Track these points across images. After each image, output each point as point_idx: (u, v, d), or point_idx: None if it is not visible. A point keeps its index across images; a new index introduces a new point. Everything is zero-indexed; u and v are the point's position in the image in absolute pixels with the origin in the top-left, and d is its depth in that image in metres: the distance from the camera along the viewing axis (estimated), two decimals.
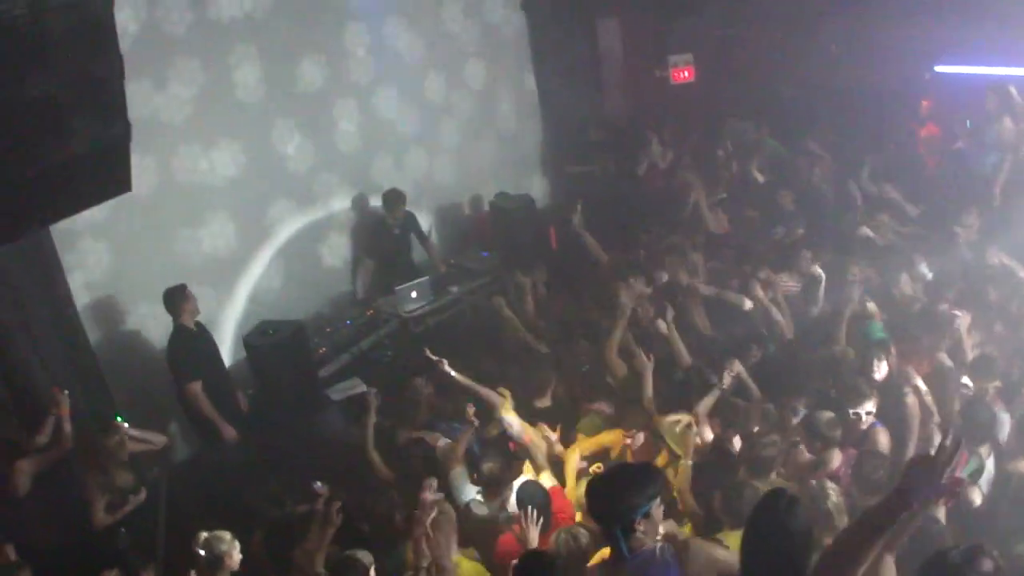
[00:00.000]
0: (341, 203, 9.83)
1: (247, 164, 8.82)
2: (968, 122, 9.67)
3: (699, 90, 11.75)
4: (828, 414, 5.64)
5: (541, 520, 5.02)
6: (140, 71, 7.57)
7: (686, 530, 5.11)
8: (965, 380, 6.18)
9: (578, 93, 11.30)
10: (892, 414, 5.80)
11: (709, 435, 5.88)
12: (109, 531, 6.12)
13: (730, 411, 6.08)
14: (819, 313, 7.55)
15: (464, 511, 5.55)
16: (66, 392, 6.29)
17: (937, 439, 5.47)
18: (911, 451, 5.57)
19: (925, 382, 5.97)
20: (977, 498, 5.17)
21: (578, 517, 5.42)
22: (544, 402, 6.75)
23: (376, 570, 4.82)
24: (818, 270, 7.68)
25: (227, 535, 5.04)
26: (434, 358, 6.53)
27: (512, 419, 6.18)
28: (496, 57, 11.16)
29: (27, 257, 6.74)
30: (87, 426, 6.67)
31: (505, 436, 6.17)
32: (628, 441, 6.04)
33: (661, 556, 3.88)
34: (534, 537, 4.96)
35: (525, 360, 7.37)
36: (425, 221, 10.29)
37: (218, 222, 8.71)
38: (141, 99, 7.60)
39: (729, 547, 4.26)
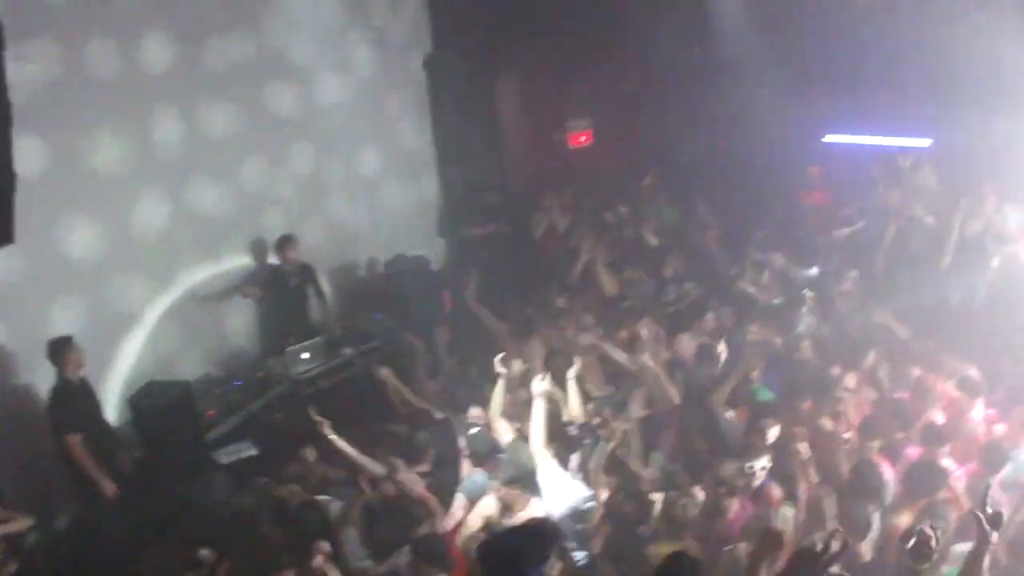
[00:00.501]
0: (232, 262, 9.64)
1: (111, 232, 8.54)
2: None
3: (598, 153, 12.00)
4: (733, 464, 5.77)
5: None
6: None
7: None
8: (848, 436, 6.40)
9: (476, 155, 11.43)
10: (781, 471, 5.96)
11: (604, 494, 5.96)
12: None
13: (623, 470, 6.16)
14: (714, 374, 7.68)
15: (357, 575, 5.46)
16: None
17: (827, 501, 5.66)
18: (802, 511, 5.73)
19: (812, 443, 6.14)
20: (867, 553, 5.30)
21: None
22: (423, 467, 6.72)
23: None
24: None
25: None
26: (318, 419, 6.46)
27: (412, 477, 6.17)
28: (395, 117, 11.21)
29: None
30: None
31: (403, 496, 6.10)
32: None
33: None
34: None
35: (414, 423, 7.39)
36: (320, 282, 10.17)
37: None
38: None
39: None
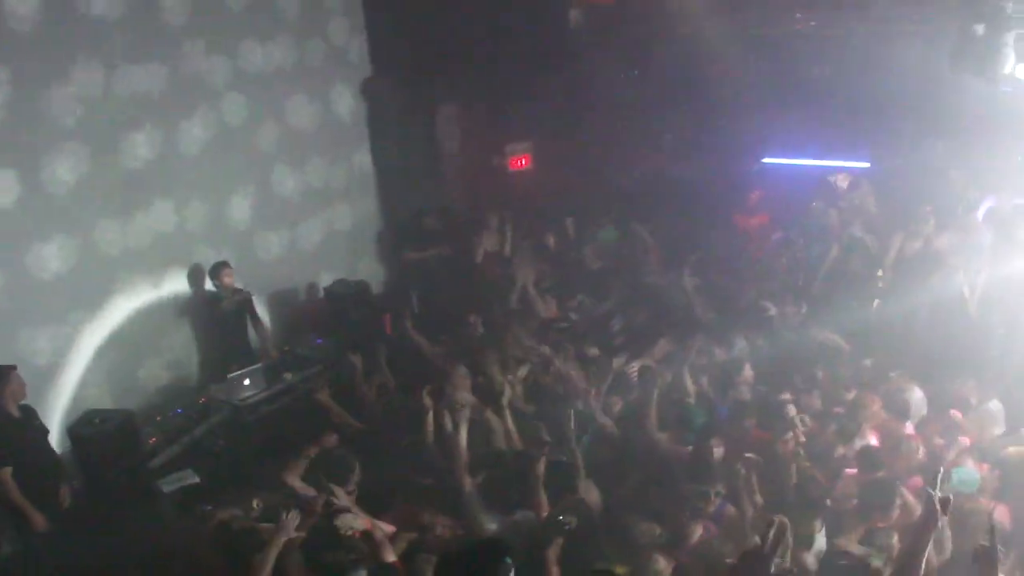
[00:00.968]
0: (172, 287, 9.62)
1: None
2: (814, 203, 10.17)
3: (538, 176, 12.17)
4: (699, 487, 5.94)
5: None
6: None
7: None
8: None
9: (416, 179, 11.51)
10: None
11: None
12: None
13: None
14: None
15: None
16: None
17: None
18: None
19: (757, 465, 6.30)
20: (812, 566, 5.51)
21: None
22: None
23: None
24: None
25: None
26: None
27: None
28: (334, 142, 11.30)
29: None
30: None
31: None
32: None
33: None
34: None
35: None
36: (260, 308, 10.15)
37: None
38: None
39: None
